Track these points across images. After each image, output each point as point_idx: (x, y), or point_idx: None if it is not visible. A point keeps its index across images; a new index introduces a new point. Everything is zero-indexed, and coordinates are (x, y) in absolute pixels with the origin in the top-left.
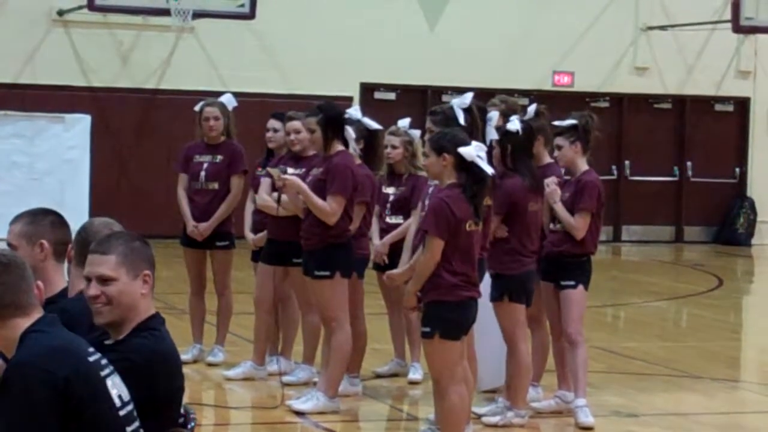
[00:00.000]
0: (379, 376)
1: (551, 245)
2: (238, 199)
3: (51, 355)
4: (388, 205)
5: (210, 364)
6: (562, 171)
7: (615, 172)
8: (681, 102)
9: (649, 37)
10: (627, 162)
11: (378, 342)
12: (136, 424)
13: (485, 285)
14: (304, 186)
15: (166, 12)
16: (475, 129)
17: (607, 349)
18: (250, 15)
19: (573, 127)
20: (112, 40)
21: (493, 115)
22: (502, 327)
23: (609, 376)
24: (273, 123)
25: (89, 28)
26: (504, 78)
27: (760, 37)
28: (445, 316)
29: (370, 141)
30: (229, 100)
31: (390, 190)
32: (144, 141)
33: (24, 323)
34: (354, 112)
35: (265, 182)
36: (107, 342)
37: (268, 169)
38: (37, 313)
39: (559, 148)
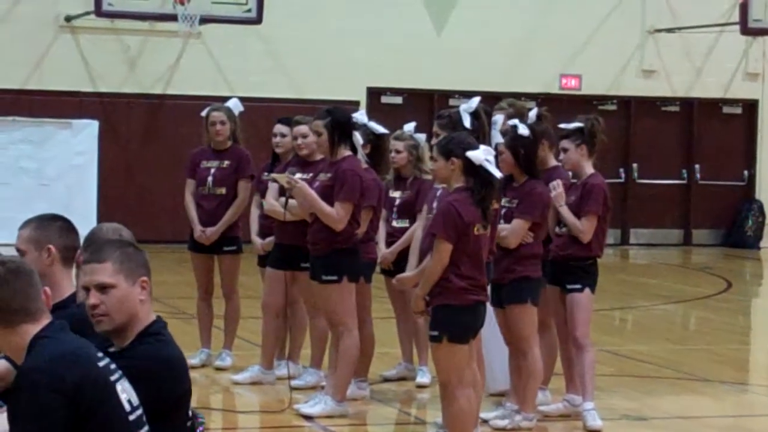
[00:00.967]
0: (386, 379)
1: (557, 249)
2: (246, 203)
3: (61, 360)
4: (395, 209)
5: (218, 369)
6: (570, 174)
7: (623, 175)
8: (689, 105)
9: (657, 39)
10: (635, 165)
11: (386, 346)
12: (146, 428)
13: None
14: (312, 192)
15: (173, 17)
16: (482, 133)
17: (615, 352)
18: (257, 20)
19: (579, 130)
20: (119, 46)
21: (498, 119)
22: (520, 330)
23: (617, 379)
24: (280, 128)
25: (96, 33)
26: (511, 82)
27: None
28: (453, 320)
29: (377, 145)
30: (235, 105)
31: (396, 194)
32: (151, 146)
33: (33, 329)
34: (360, 116)
35: (272, 187)
36: (111, 350)
37: (273, 175)
38: (46, 319)
39: (565, 151)
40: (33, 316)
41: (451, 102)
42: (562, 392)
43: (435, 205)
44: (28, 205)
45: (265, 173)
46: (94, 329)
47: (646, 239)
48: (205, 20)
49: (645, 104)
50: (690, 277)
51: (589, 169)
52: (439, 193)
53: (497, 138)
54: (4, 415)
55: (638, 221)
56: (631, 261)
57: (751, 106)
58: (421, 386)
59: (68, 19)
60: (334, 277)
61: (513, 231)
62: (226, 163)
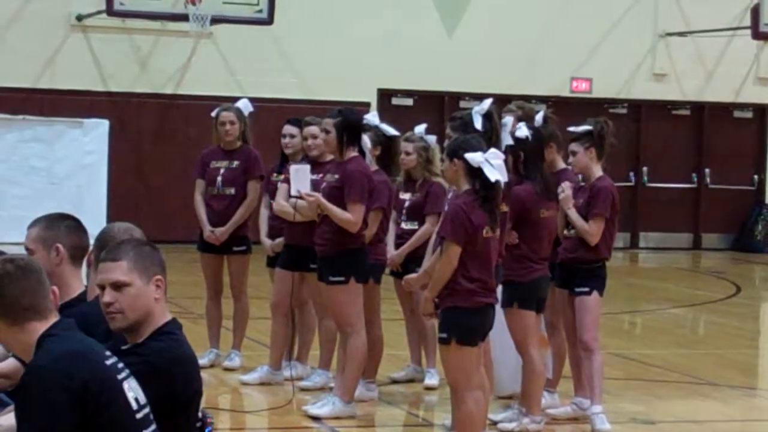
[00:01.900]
0: (395, 381)
1: (565, 251)
2: (255, 204)
3: (68, 358)
4: (404, 211)
5: (227, 369)
6: (579, 177)
7: (633, 178)
8: (699, 109)
9: (668, 43)
10: (645, 168)
11: (394, 348)
12: (153, 427)
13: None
14: (326, 203)
15: (184, 17)
16: (495, 135)
17: (624, 356)
18: (269, 21)
19: (588, 133)
20: (130, 46)
21: (508, 121)
22: (512, 333)
23: (626, 383)
24: (289, 129)
25: (108, 33)
26: (522, 84)
27: None
28: (462, 323)
29: (388, 147)
30: (245, 106)
31: (406, 196)
32: (161, 146)
33: (41, 327)
34: (372, 117)
35: (282, 188)
36: (124, 347)
37: (291, 167)
38: (54, 317)
39: (574, 154)
40: (41, 314)
41: (462, 104)
42: (571, 395)
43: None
44: (39, 204)
45: (274, 174)
46: (107, 327)
47: (655, 243)
48: (216, 20)
49: (656, 108)
50: (699, 281)
51: (597, 171)
52: (450, 195)
53: (507, 140)
54: (12, 413)
55: (648, 225)
56: (640, 264)
57: (761, 111)
58: (429, 388)
59: (80, 18)
60: (341, 278)
61: None
62: (236, 163)
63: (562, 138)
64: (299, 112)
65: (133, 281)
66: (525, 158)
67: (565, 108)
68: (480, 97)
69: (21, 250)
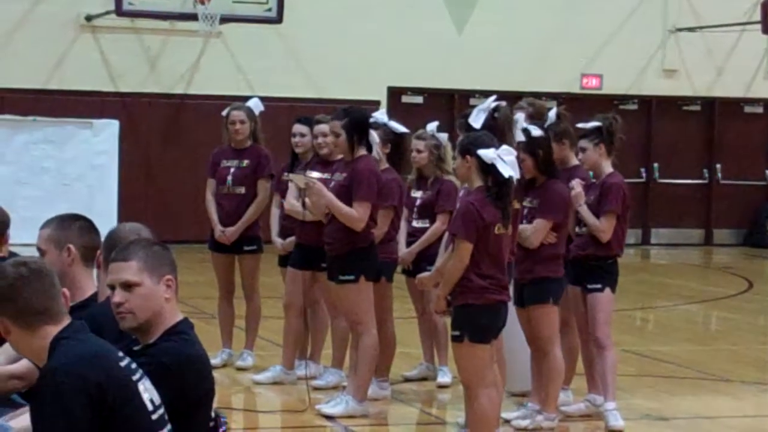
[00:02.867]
0: (407, 379)
1: (577, 248)
2: (266, 203)
3: (83, 361)
4: (415, 209)
5: (239, 369)
6: (590, 174)
7: (644, 174)
8: (710, 104)
9: (678, 38)
10: (656, 165)
11: (407, 346)
12: (168, 427)
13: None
14: (329, 194)
15: (193, 17)
16: (499, 133)
17: (636, 352)
18: (278, 19)
19: (597, 129)
20: (139, 46)
21: (519, 118)
22: (541, 330)
23: (639, 379)
24: (299, 128)
25: (117, 33)
26: (532, 81)
27: None
28: (474, 320)
29: (397, 145)
30: (255, 105)
31: (417, 194)
32: (172, 146)
33: (53, 331)
34: (380, 115)
35: (292, 187)
36: (136, 348)
37: (291, 176)
38: (66, 320)
39: (583, 150)
40: (54, 317)
41: (472, 102)
42: (584, 392)
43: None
44: (49, 205)
45: (285, 173)
46: (119, 328)
47: (667, 239)
48: (225, 20)
49: (666, 104)
50: (711, 277)
51: (608, 168)
52: (461, 193)
53: (519, 137)
54: (26, 415)
55: (659, 221)
56: (652, 261)
57: None
58: (442, 386)
59: (89, 18)
60: (351, 277)
61: (535, 231)
62: (246, 162)
63: (574, 135)
64: (309, 110)
65: (143, 281)
66: (544, 156)
67: (576, 104)
68: (490, 95)
69: (32, 251)
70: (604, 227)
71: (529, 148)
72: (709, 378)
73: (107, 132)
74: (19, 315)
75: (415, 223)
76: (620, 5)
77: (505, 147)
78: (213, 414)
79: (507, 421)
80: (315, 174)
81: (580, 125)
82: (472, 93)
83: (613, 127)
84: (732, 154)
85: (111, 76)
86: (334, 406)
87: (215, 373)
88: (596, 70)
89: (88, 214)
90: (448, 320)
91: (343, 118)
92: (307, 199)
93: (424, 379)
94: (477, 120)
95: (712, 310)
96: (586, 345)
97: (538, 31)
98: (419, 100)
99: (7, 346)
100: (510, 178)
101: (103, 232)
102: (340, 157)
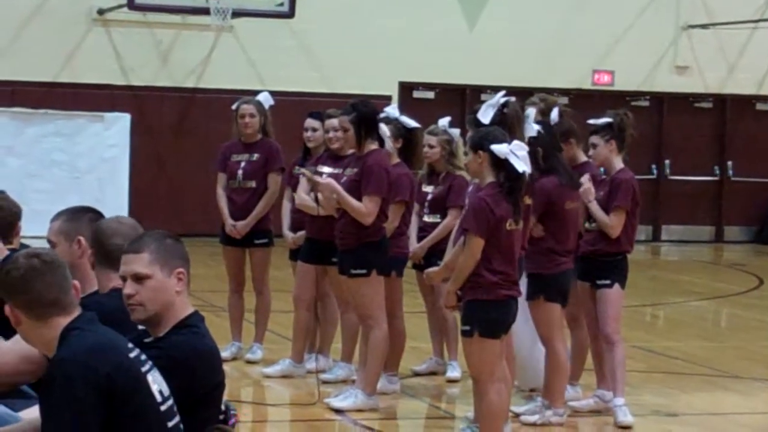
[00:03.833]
0: (417, 374)
1: (587, 244)
2: (276, 196)
3: (93, 351)
4: (426, 204)
5: (249, 362)
6: (601, 170)
7: (655, 171)
8: (722, 101)
9: (690, 35)
10: (667, 161)
11: (416, 340)
12: (177, 419)
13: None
14: (339, 188)
15: (205, 11)
16: (509, 128)
17: (646, 348)
18: (290, 14)
19: (608, 125)
20: (151, 39)
21: (530, 113)
22: (537, 326)
23: (648, 375)
24: (311, 122)
25: (129, 27)
26: (543, 77)
27: None
28: (484, 315)
29: (408, 140)
30: (265, 99)
31: (428, 189)
32: (183, 140)
33: (64, 321)
34: (391, 110)
35: (303, 181)
36: (147, 340)
37: (301, 169)
38: (76, 311)
39: (594, 146)
40: (65, 309)
41: (483, 97)
42: (593, 388)
43: (467, 200)
44: (60, 198)
45: (297, 167)
46: (128, 319)
47: (677, 236)
48: (237, 14)
49: (678, 100)
50: (721, 273)
51: (618, 164)
52: (470, 188)
53: (531, 132)
54: (35, 406)
55: (670, 218)
56: (662, 257)
57: None
58: (451, 381)
59: (101, 12)
60: (363, 271)
61: None
62: (256, 156)
63: (580, 131)
64: (321, 105)
65: (154, 274)
66: (543, 153)
67: (587, 101)
68: (501, 91)
69: (43, 244)
70: (613, 223)
71: (530, 144)
72: (719, 375)
73: (118, 125)
74: (30, 306)
75: (426, 218)
76: (633, 2)
77: (516, 142)
78: (223, 406)
79: (516, 416)
80: (326, 169)
81: (591, 121)
82: (483, 88)
83: (624, 123)
84: (743, 151)
85: (122, 69)
86: (344, 399)
87: (225, 366)
88: (608, 67)
89: (99, 207)
90: (458, 315)
91: (351, 113)
92: (319, 195)
93: (433, 373)
94: (486, 115)
95: (723, 307)
96: (596, 341)
97: (549, 27)
98: (430, 95)
99: (17, 336)
100: (523, 173)
101: None
102: (351, 151)
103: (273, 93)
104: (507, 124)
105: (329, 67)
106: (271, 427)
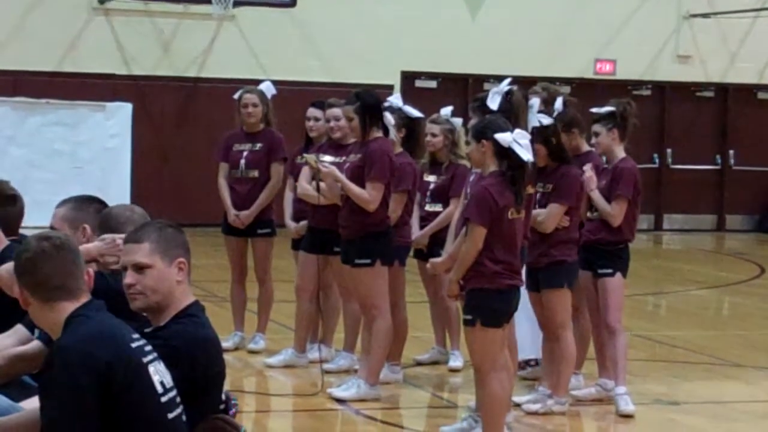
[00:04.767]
0: (419, 363)
1: (589, 233)
2: (279, 186)
3: (94, 339)
4: (428, 193)
5: (251, 352)
6: (604, 159)
7: (657, 160)
8: (723, 90)
9: (692, 24)
10: (669, 150)
11: (418, 330)
12: (179, 410)
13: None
14: (341, 175)
15: (207, 0)
16: (513, 117)
17: (648, 337)
18: (291, 3)
19: (610, 114)
20: (153, 29)
21: (535, 102)
22: (555, 314)
23: (650, 364)
24: (313, 111)
25: (130, 16)
26: (546, 66)
27: None
28: (487, 304)
29: (411, 129)
30: (268, 88)
31: (431, 178)
32: (185, 129)
33: (71, 307)
34: (395, 100)
35: (305, 171)
36: (147, 330)
37: (305, 155)
38: (85, 298)
39: (597, 135)
40: (72, 293)
41: (486, 86)
42: (595, 377)
43: (469, 189)
44: (62, 188)
45: (299, 156)
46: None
47: (679, 225)
48: (239, 3)
49: (680, 90)
50: (723, 262)
51: (620, 153)
52: (471, 178)
53: (534, 121)
54: (36, 397)
55: (672, 207)
56: (664, 246)
57: None
58: (453, 370)
59: (102, 1)
60: (367, 261)
61: (549, 215)
62: (258, 146)
63: (584, 121)
64: (323, 94)
65: (155, 263)
66: (557, 143)
67: (589, 90)
68: (504, 80)
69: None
70: (615, 212)
71: (542, 136)
72: (721, 363)
73: (120, 115)
74: (37, 288)
75: (428, 207)
76: None
77: (519, 131)
78: (223, 396)
79: (518, 405)
80: (327, 158)
81: (593, 110)
82: (485, 78)
83: (627, 112)
84: (745, 140)
85: (124, 59)
86: (346, 389)
87: (227, 356)
88: (610, 56)
89: (101, 197)
90: (460, 304)
91: (354, 103)
92: (322, 183)
93: (435, 363)
94: (494, 102)
95: (724, 296)
96: (598, 330)
97: (552, 16)
98: (433, 84)
99: (18, 327)
100: (527, 162)
101: None
102: (353, 140)
103: (275, 82)
104: (513, 112)
105: (331, 57)
106: (274, 416)
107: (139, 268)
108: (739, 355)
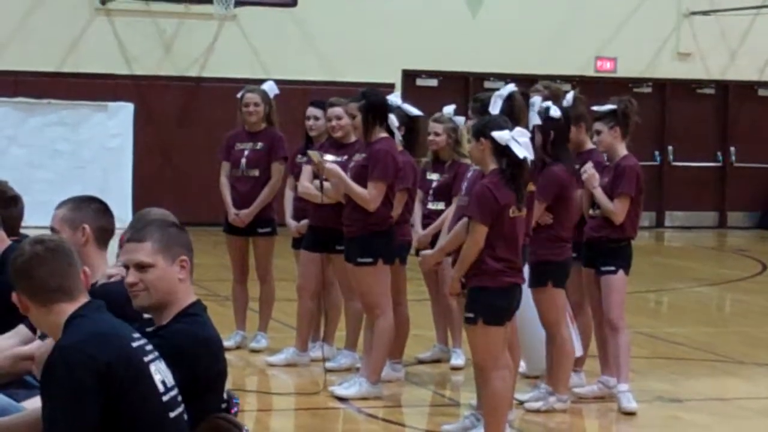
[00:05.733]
0: (421, 362)
1: (591, 231)
2: (279, 185)
3: (94, 340)
4: (431, 192)
5: (253, 351)
6: (605, 157)
7: (658, 157)
8: (724, 87)
9: (693, 22)
10: (670, 148)
11: (420, 328)
12: (180, 409)
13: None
14: (343, 173)
15: (208, 0)
16: (514, 117)
17: (650, 334)
18: (292, 2)
19: (612, 112)
20: (154, 29)
21: (536, 101)
22: (545, 313)
23: (652, 361)
24: (313, 111)
25: (132, 16)
26: (546, 64)
27: None
28: (488, 302)
29: (411, 128)
30: (270, 88)
31: (433, 177)
32: (186, 129)
33: (69, 308)
34: (394, 98)
35: (306, 169)
36: (149, 329)
37: (309, 152)
38: (83, 299)
39: (598, 133)
40: (70, 295)
41: (486, 84)
42: (597, 374)
43: (464, 185)
44: (64, 188)
45: (299, 155)
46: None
47: (681, 222)
48: (240, 3)
49: (680, 87)
50: (725, 259)
51: (622, 150)
52: (470, 174)
53: (535, 120)
54: (37, 397)
55: (673, 204)
56: (666, 243)
57: None
58: (455, 368)
59: (103, 1)
60: (369, 259)
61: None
62: (260, 145)
63: (590, 119)
64: (323, 93)
65: (157, 262)
66: (555, 138)
67: (590, 87)
68: (504, 78)
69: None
70: (617, 209)
71: (544, 126)
72: (723, 360)
73: (122, 115)
74: (34, 292)
75: (430, 206)
76: None
77: (519, 129)
78: (225, 395)
79: (520, 403)
80: (329, 157)
81: (595, 108)
82: (486, 76)
83: (628, 110)
84: (746, 137)
85: (126, 58)
86: (348, 387)
87: (229, 355)
88: (611, 53)
89: (102, 196)
90: (462, 302)
91: (360, 101)
92: (325, 182)
93: (437, 361)
94: (495, 106)
95: (726, 293)
96: (600, 327)
97: (552, 13)
98: (433, 83)
99: (20, 327)
100: (525, 160)
101: (118, 214)
102: (354, 139)
103: (276, 81)
104: (514, 114)
105: (332, 56)
106: (276, 415)
107: (141, 267)
108: (741, 352)
